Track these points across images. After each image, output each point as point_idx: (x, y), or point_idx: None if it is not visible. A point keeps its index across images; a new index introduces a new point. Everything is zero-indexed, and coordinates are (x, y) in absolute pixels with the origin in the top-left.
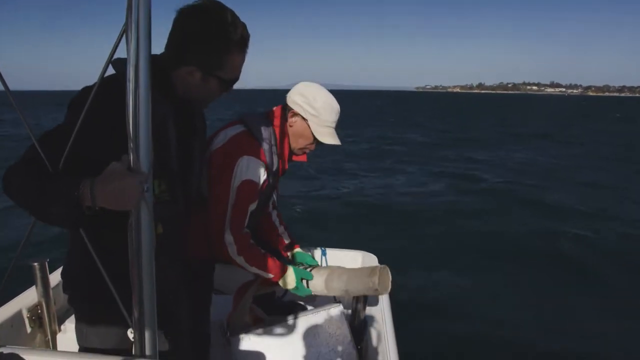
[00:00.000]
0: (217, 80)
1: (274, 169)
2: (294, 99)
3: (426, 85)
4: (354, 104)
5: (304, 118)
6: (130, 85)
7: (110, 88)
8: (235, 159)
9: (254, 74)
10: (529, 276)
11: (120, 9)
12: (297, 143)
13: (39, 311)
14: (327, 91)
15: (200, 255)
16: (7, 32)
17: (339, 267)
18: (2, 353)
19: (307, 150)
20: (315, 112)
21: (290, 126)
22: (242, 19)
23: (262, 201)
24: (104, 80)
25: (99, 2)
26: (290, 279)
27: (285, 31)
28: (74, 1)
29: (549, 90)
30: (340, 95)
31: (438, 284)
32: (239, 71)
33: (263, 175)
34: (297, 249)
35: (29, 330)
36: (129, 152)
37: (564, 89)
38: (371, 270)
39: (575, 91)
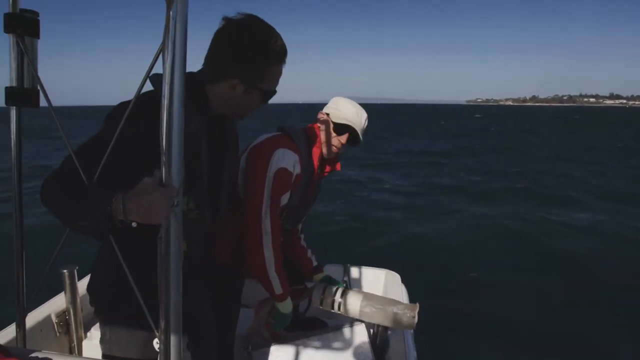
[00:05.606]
0: (259, 92)
1: (308, 168)
2: (325, 108)
3: (477, 99)
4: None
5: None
6: (165, 102)
7: (146, 104)
8: (272, 151)
9: (309, 86)
10: None
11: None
12: (329, 143)
13: (67, 317)
14: (354, 102)
15: (230, 261)
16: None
17: (373, 295)
18: (37, 357)
19: (338, 149)
20: (339, 107)
21: (320, 128)
22: (294, 33)
23: (296, 200)
24: (141, 96)
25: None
26: (288, 303)
27: (342, 45)
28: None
29: (608, 102)
30: (397, 108)
31: (464, 307)
32: (278, 83)
33: (297, 168)
34: (322, 273)
35: (56, 335)
36: (161, 166)
37: (624, 101)
38: (406, 307)
39: (637, 102)
